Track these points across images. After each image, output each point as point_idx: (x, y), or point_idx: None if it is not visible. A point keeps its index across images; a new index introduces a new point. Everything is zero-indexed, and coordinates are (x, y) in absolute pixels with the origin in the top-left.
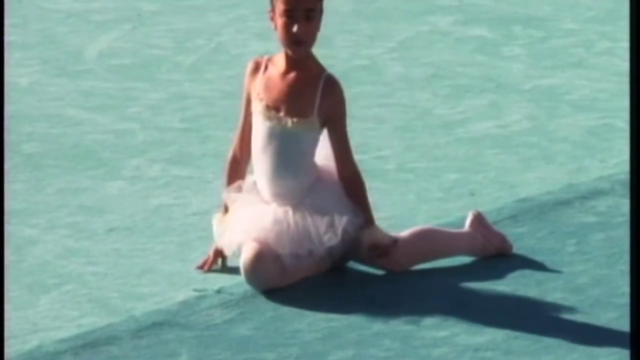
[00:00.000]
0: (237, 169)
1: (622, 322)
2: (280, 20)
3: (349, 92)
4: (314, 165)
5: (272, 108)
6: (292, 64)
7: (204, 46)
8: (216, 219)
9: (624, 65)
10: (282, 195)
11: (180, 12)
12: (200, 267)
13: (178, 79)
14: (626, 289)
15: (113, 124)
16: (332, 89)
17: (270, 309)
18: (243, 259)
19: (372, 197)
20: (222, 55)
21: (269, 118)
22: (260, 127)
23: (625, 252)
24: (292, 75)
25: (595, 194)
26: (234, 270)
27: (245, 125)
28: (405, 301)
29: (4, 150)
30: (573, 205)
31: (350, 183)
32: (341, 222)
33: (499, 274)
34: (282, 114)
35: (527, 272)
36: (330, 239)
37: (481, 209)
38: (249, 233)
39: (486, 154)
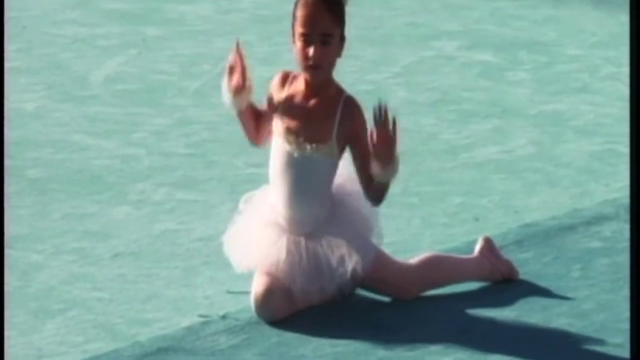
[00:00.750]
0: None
1: (626, 348)
2: (297, 44)
3: None
4: (330, 195)
5: (292, 132)
6: (310, 87)
7: (209, 71)
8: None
9: (628, 90)
10: (297, 221)
11: (186, 37)
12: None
13: (183, 104)
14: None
15: (118, 149)
16: (351, 111)
17: (275, 335)
18: (254, 293)
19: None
20: None
21: (288, 142)
22: (279, 149)
23: None
24: (311, 100)
25: (600, 219)
26: (240, 296)
27: (263, 113)
28: (410, 327)
29: (4, 176)
30: (578, 231)
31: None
32: (352, 260)
33: (504, 300)
34: (301, 139)
35: (532, 297)
36: (341, 277)
37: (486, 234)
38: (261, 263)
39: (491, 179)
